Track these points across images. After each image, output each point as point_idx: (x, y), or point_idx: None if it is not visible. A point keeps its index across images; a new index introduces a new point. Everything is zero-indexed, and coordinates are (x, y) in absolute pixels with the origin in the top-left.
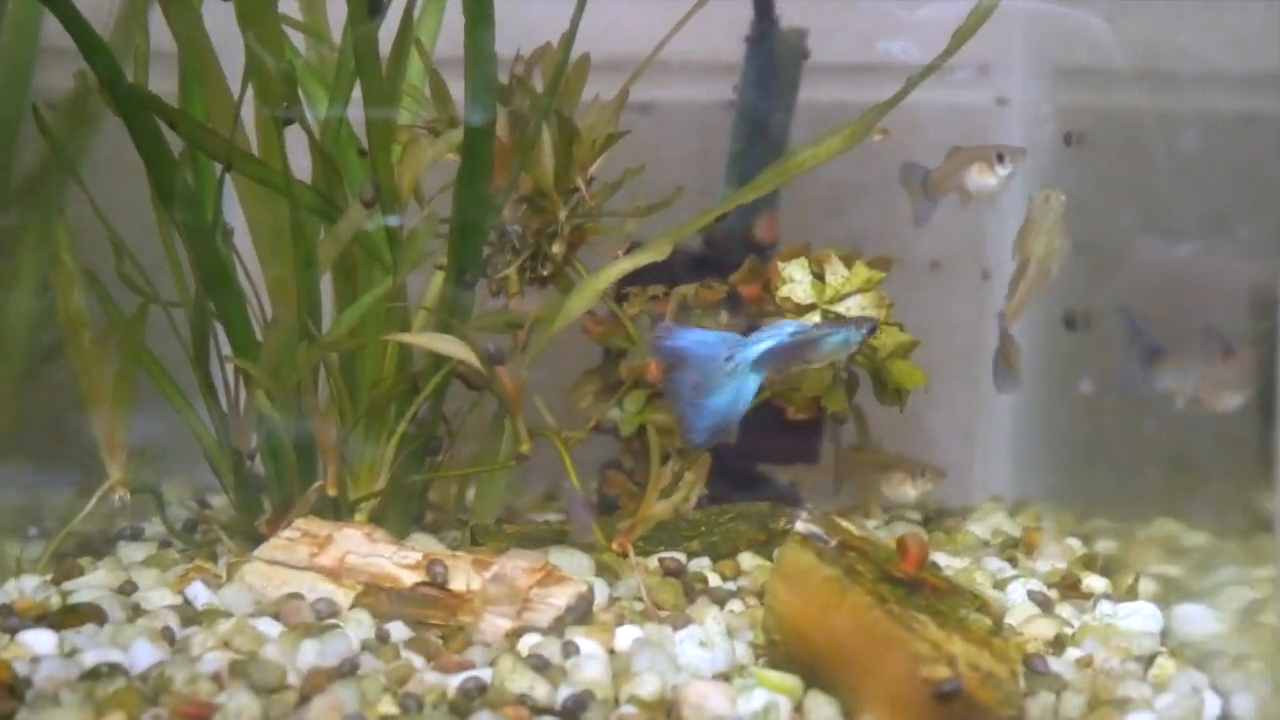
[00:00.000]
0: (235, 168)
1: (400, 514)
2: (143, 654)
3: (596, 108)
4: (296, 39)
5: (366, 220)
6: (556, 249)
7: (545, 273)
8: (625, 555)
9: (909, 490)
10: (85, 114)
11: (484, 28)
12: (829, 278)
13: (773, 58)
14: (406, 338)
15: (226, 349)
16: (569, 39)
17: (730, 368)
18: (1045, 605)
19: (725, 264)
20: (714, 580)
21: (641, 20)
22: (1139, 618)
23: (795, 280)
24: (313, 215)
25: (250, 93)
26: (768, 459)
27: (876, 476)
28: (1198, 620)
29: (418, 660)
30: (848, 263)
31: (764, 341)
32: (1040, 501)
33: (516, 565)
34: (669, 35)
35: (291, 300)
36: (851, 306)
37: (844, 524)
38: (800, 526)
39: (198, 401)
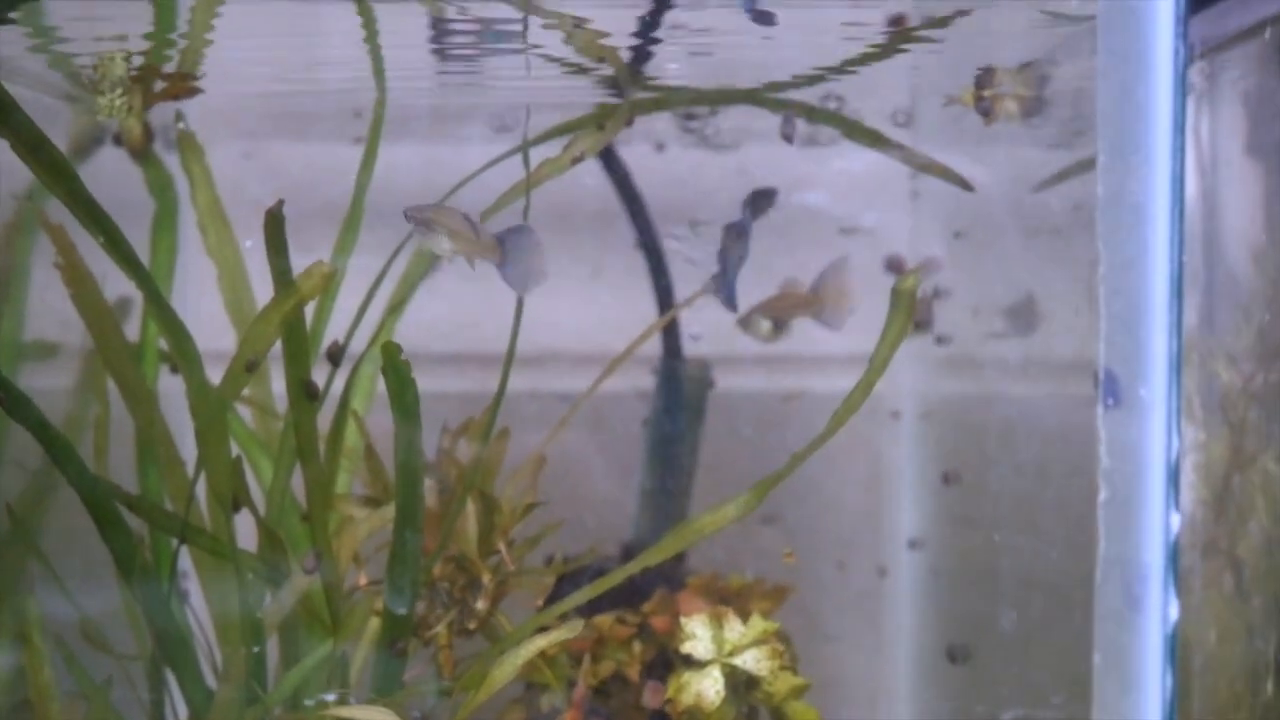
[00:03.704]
0: (188, 540)
1: None
2: None
3: (516, 478)
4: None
5: (308, 586)
6: (481, 605)
7: (471, 626)
8: None
9: None
10: (51, 482)
11: (412, 425)
12: (727, 633)
13: (680, 392)
14: (341, 712)
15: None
16: (494, 407)
17: None
18: None
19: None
20: None
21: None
22: None
23: (697, 637)
24: (259, 582)
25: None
26: None
27: None
28: None
29: None
30: (745, 598)
31: None
32: None
33: None
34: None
35: (240, 661)
36: (748, 660)
37: None
38: None
39: None
